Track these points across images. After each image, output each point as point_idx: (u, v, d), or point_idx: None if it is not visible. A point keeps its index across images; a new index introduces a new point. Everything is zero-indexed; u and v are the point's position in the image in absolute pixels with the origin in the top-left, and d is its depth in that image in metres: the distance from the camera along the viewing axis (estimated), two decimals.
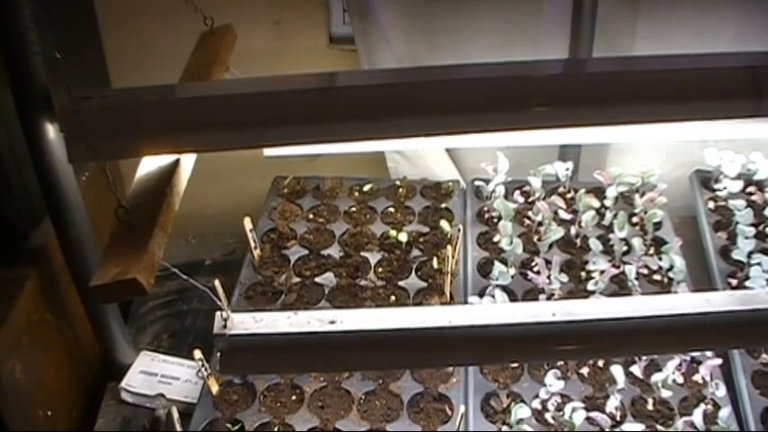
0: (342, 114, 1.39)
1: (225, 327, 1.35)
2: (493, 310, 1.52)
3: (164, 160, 1.50)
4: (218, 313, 1.35)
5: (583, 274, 1.99)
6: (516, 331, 1.38)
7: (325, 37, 2.38)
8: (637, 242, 1.99)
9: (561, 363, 1.78)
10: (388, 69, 2.23)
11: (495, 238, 2.08)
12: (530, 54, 2.19)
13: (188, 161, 1.53)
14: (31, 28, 1.46)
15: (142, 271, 1.29)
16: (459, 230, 2.00)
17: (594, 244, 2.00)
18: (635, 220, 2.14)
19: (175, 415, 1.55)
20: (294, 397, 1.73)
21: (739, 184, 2.21)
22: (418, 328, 1.36)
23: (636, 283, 1.91)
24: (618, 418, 1.69)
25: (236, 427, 1.66)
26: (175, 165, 1.49)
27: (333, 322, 1.37)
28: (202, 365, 1.68)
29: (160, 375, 1.91)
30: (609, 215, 2.12)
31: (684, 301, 1.44)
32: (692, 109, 1.47)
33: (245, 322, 1.36)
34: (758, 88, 1.43)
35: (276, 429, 1.66)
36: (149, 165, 1.51)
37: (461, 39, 2.22)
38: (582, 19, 2.08)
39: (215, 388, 1.74)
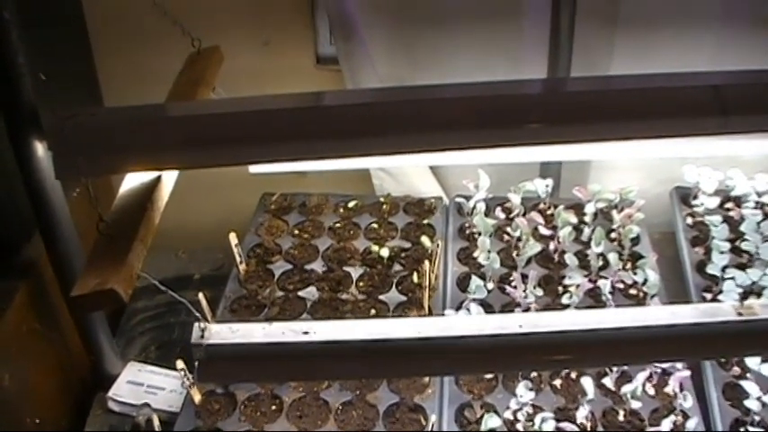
0: (324, 132, 1.44)
1: (202, 336, 1.40)
2: (461, 322, 1.56)
3: (146, 177, 1.56)
4: (196, 324, 1.40)
5: (560, 288, 2.03)
6: (483, 342, 1.42)
7: (313, 57, 2.45)
8: (613, 257, 2.04)
9: (534, 374, 1.82)
10: (371, 89, 2.30)
11: (475, 254, 2.13)
12: (510, 74, 2.25)
13: (169, 178, 1.59)
14: (20, 50, 1.52)
15: (121, 282, 1.35)
16: (437, 246, 2.05)
17: (571, 259, 2.05)
18: (613, 235, 2.19)
19: (156, 422, 1.60)
20: (273, 407, 1.78)
21: (716, 200, 2.26)
22: (388, 339, 1.41)
23: (610, 297, 1.95)
24: (588, 429, 1.73)
25: None
26: (156, 181, 1.54)
27: (306, 333, 1.41)
28: (185, 375, 1.73)
29: (146, 385, 1.96)
30: (587, 231, 2.17)
31: (650, 314, 1.47)
32: (662, 126, 1.51)
33: (222, 332, 1.41)
34: (723, 107, 1.48)
35: None
36: (132, 181, 1.57)
37: (443, 59, 2.29)
38: (560, 39, 2.14)
39: (197, 397, 1.79)
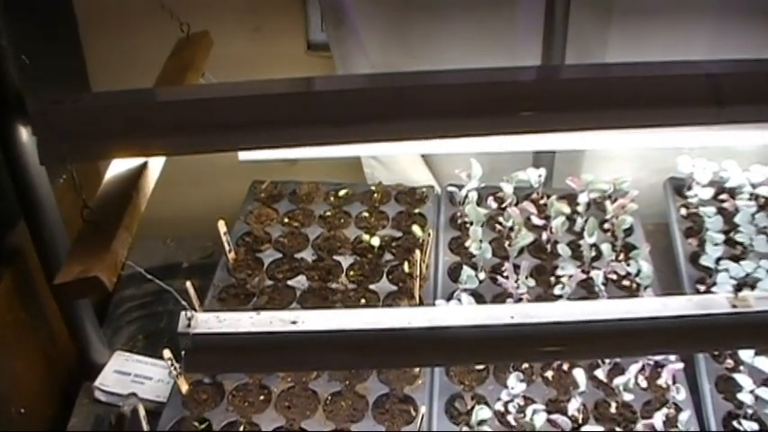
0: (315, 119, 1.42)
1: (189, 326, 1.38)
2: (452, 313, 1.54)
3: (132, 163, 1.53)
4: (182, 312, 1.38)
5: (552, 279, 2.02)
6: (474, 333, 1.40)
7: (304, 44, 2.42)
8: (606, 248, 2.02)
9: (525, 366, 1.81)
10: (362, 75, 2.27)
11: (467, 243, 2.11)
12: (503, 61, 2.22)
13: (156, 164, 1.56)
14: (3, 33, 1.49)
15: (105, 270, 1.32)
16: (429, 235, 2.03)
17: (563, 249, 2.03)
18: (606, 226, 2.17)
19: (141, 412, 1.58)
20: (262, 397, 1.76)
21: (710, 192, 2.24)
22: (378, 328, 1.39)
23: (602, 288, 1.93)
24: (580, 421, 1.71)
25: (203, 426, 1.69)
26: (142, 168, 1.52)
27: (294, 322, 1.39)
28: (172, 365, 1.71)
29: (133, 375, 1.94)
30: (580, 221, 2.15)
31: (643, 306, 1.46)
32: (657, 115, 1.49)
33: (209, 321, 1.38)
34: (718, 96, 1.46)
35: (242, 428, 1.69)
36: (118, 167, 1.54)
37: (436, 46, 2.26)
38: (554, 27, 2.11)
39: (185, 387, 1.77)
